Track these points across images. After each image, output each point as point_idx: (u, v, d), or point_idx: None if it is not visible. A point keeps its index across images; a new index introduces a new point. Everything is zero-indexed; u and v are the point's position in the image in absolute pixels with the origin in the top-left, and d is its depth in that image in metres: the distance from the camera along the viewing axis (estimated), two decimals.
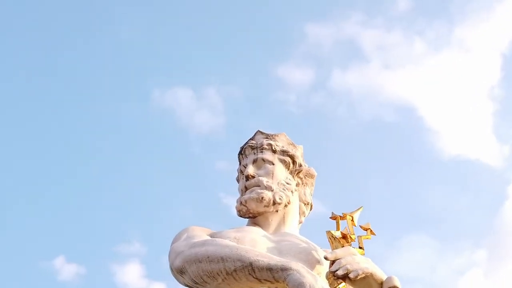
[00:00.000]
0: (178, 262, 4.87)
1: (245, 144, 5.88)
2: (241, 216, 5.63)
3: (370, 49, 19.72)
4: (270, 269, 4.53)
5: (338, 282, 4.78)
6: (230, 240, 4.99)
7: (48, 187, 19.48)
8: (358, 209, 5.36)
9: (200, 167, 19.24)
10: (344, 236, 5.12)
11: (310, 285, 4.37)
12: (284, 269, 4.49)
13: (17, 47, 19.35)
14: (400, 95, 20.31)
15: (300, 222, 5.77)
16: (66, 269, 18.62)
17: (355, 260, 4.80)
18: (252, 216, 5.56)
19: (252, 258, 4.60)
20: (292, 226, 5.59)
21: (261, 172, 5.65)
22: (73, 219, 19.08)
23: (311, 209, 5.89)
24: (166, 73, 19.90)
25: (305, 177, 5.81)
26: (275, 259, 4.58)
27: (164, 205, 19.03)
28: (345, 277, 4.75)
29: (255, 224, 5.55)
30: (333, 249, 5.02)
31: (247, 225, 5.59)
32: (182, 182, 19.27)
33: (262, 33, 19.91)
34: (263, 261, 4.57)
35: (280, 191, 5.55)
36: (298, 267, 4.50)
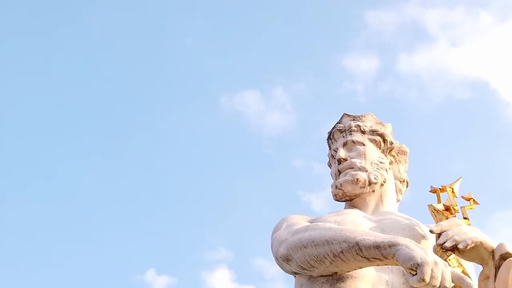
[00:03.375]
0: (282, 250, 4.85)
1: (333, 129, 5.85)
2: (337, 200, 5.59)
3: (434, 29, 19.37)
4: (377, 246, 4.45)
5: (447, 255, 4.66)
6: None
7: (134, 203, 19.90)
8: (457, 180, 5.25)
9: (276, 167, 19.30)
10: (447, 208, 5.01)
11: (420, 258, 4.26)
12: (391, 245, 4.40)
13: (88, 56, 19.86)
14: (470, 71, 19.87)
15: (398, 200, 5.70)
16: (158, 281, 18.95)
17: (462, 230, 4.68)
18: (349, 199, 5.52)
19: (357, 237, 4.53)
20: (390, 204, 5.53)
21: (352, 154, 5.60)
22: (159, 233, 19.44)
23: (407, 186, 5.81)
24: (232, 77, 20.06)
25: (397, 155, 5.74)
26: (381, 236, 4.52)
27: (245, 209, 19.16)
28: (454, 249, 4.63)
29: (353, 206, 5.51)
30: (437, 222, 4.92)
31: (345, 209, 5.56)
32: (260, 184, 19.35)
33: (322, 26, 19.84)
34: (369, 239, 4.50)
35: (374, 170, 5.50)
36: (406, 241, 4.41)
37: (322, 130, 5.98)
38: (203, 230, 19.51)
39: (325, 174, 5.95)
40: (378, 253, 4.45)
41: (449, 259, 4.66)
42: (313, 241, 4.68)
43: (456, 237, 4.62)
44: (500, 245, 4.66)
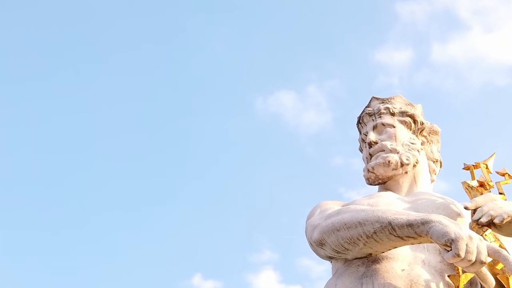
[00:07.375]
0: (316, 235, 4.83)
1: (362, 113, 5.81)
2: (370, 184, 5.55)
3: (468, 16, 19.12)
4: (410, 225, 4.39)
5: (484, 230, 4.56)
6: None
7: (177, 209, 20.07)
8: (491, 156, 5.16)
9: (316, 166, 19.25)
10: (481, 184, 4.92)
11: (455, 233, 4.19)
12: (425, 222, 4.34)
13: (117, 70, 20.12)
14: (507, 56, 19.50)
15: (432, 181, 5.63)
16: (205, 286, 19.06)
17: (498, 205, 4.59)
18: (382, 182, 5.47)
19: (390, 217, 4.48)
20: (424, 185, 5.46)
21: (383, 137, 5.56)
22: (204, 237, 19.55)
23: (441, 166, 5.73)
24: (265, 79, 20.09)
25: (429, 135, 5.68)
26: (413, 215, 4.46)
27: (287, 210, 19.15)
28: (490, 224, 4.54)
29: (386, 189, 5.46)
30: (471, 198, 4.84)
31: (378, 192, 5.51)
32: (300, 184, 19.32)
33: (353, 21, 19.75)
34: (401, 218, 4.44)
35: (406, 151, 5.44)
36: (439, 218, 4.34)
37: None
38: (246, 232, 19.58)
39: None
40: (412, 231, 4.39)
41: (486, 235, 4.55)
42: (345, 224, 4.64)
43: (492, 212, 4.53)
44: None
